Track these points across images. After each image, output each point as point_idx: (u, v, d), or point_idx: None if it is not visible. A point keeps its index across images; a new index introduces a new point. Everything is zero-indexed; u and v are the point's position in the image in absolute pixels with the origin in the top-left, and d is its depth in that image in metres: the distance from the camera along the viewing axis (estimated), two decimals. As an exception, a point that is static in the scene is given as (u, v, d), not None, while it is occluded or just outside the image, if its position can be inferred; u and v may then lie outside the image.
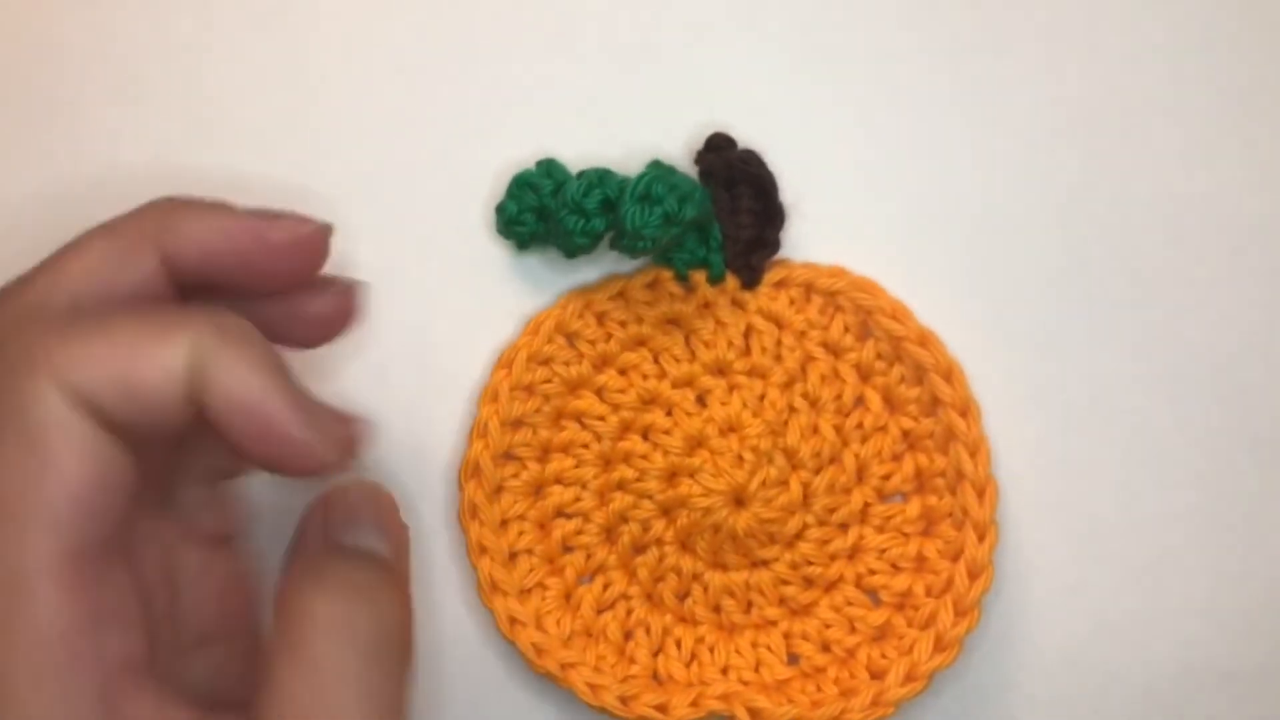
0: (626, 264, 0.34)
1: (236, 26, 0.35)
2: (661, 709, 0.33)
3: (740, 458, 0.33)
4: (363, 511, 0.28)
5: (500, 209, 0.33)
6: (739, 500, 0.33)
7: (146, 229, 0.27)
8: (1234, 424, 0.35)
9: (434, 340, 0.35)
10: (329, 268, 0.30)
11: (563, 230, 0.32)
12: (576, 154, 0.34)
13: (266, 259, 0.28)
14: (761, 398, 0.34)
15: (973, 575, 0.33)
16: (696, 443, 0.34)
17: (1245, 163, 0.35)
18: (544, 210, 0.33)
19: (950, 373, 0.34)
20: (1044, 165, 0.35)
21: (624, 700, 0.33)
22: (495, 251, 0.35)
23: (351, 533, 0.28)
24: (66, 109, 0.35)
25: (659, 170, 0.32)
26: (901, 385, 0.34)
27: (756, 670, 0.34)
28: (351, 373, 0.34)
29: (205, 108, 0.35)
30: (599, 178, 0.32)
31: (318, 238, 0.28)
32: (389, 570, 0.28)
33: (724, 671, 0.34)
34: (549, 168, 0.33)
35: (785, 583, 0.33)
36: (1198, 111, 0.36)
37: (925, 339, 0.34)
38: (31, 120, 0.35)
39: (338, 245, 0.30)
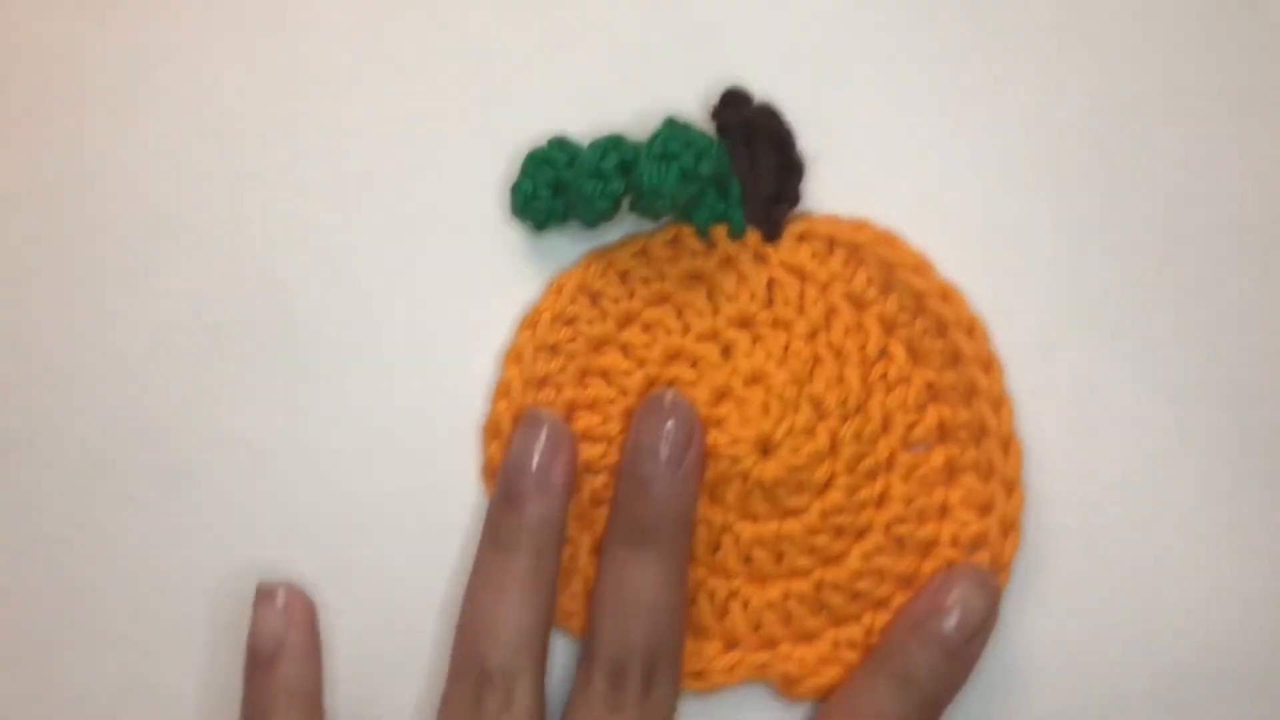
0: (647, 226, 0.35)
1: (240, 21, 0.35)
2: (698, 676, 0.33)
3: (766, 406, 0.33)
4: None
5: (515, 188, 0.34)
6: (766, 449, 0.33)
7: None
8: (1236, 423, 0.35)
9: (458, 316, 0.35)
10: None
11: (582, 197, 0.32)
12: (589, 124, 0.34)
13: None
14: (786, 348, 0.34)
15: (1004, 530, 0.33)
16: (722, 394, 0.34)
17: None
18: (560, 183, 0.33)
19: (972, 328, 0.34)
20: (1069, 114, 0.35)
21: None
22: (513, 234, 0.35)
23: None
24: (67, 109, 0.35)
25: (674, 128, 0.32)
26: (925, 338, 0.34)
27: (788, 623, 0.34)
28: (377, 351, 0.35)
29: (210, 102, 0.35)
30: (613, 143, 0.32)
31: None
32: None
33: (756, 628, 0.34)
34: (560, 143, 0.33)
35: (816, 531, 0.33)
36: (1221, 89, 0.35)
37: (947, 294, 0.34)
38: (32, 120, 0.35)
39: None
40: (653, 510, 0.31)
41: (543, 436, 0.32)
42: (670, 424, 0.32)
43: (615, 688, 0.31)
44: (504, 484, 0.32)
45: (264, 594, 0.33)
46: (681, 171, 0.31)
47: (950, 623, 0.31)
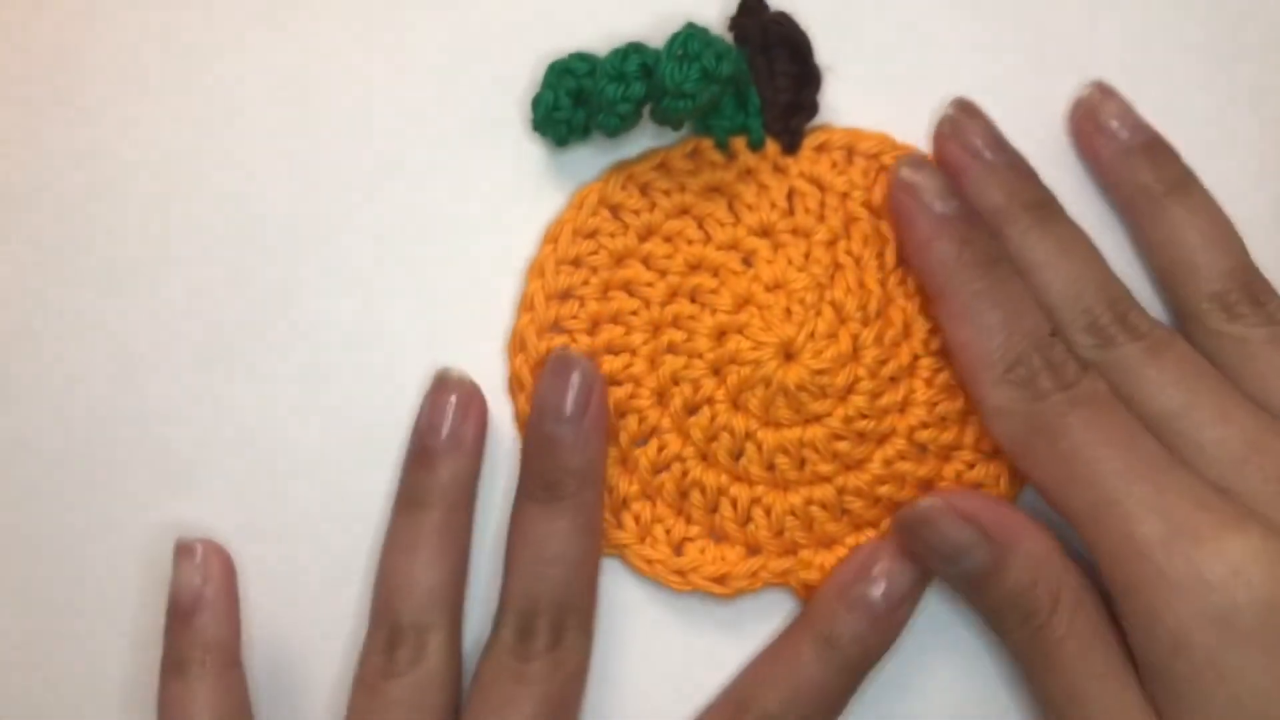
0: (666, 141, 0.35)
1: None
2: (720, 580, 0.34)
3: (788, 311, 0.34)
4: None
5: (537, 101, 0.34)
6: (789, 354, 0.34)
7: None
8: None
9: (484, 232, 0.35)
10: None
11: (605, 100, 0.32)
12: (608, 40, 0.34)
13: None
14: (807, 255, 0.34)
15: None
16: (744, 300, 0.34)
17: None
18: (581, 93, 0.33)
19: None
20: (1100, 24, 0.36)
21: (681, 574, 0.34)
22: (535, 150, 0.35)
23: None
24: (67, 108, 0.35)
25: (694, 29, 0.32)
26: None
27: (810, 529, 0.34)
28: (404, 270, 0.35)
29: (213, 82, 0.35)
30: (635, 47, 0.32)
31: None
32: None
33: (779, 533, 0.34)
34: (581, 55, 0.33)
35: (839, 437, 0.34)
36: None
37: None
38: (32, 120, 0.35)
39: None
40: (557, 465, 0.32)
41: (453, 398, 0.33)
42: (573, 378, 0.32)
43: (523, 639, 0.32)
44: (415, 444, 0.33)
45: (183, 549, 0.33)
46: (703, 70, 0.31)
47: (876, 591, 0.32)
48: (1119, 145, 0.34)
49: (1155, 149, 0.34)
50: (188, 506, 0.34)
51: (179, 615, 0.33)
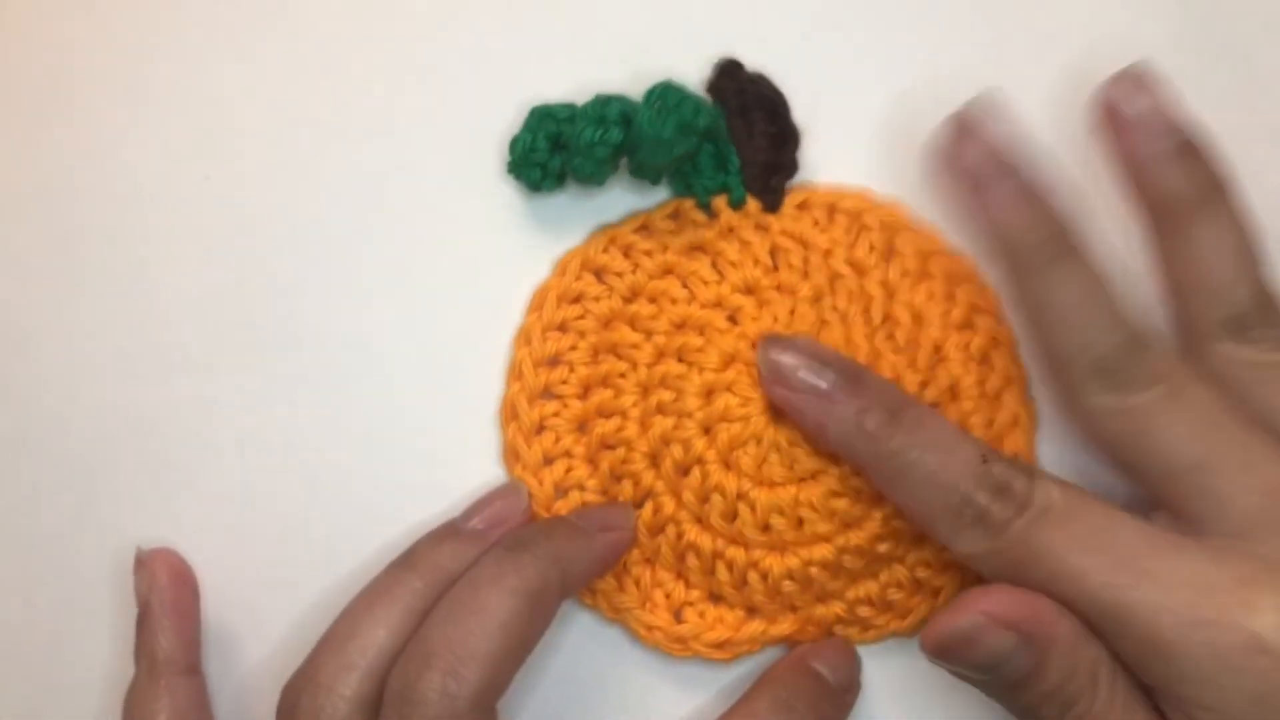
0: (647, 203, 0.35)
1: (237, 10, 0.36)
2: (721, 647, 0.33)
3: (776, 367, 0.33)
4: None
5: (514, 142, 0.34)
6: (779, 410, 0.33)
7: (552, 591, 0.30)
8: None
9: (466, 297, 0.35)
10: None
11: (583, 143, 0.32)
12: (587, 96, 0.35)
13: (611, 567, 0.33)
14: (792, 312, 0.34)
15: None
16: (731, 358, 0.34)
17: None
18: (560, 139, 0.33)
19: (983, 291, 0.34)
20: (1069, 79, 0.36)
21: (682, 641, 0.33)
22: (517, 218, 0.35)
23: None
24: (67, 108, 0.35)
25: (672, 84, 0.32)
26: (930, 302, 0.34)
27: (808, 588, 0.33)
28: (394, 338, 0.35)
29: (208, 92, 0.36)
30: (616, 96, 0.33)
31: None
32: None
33: (776, 595, 0.33)
34: (565, 104, 0.34)
35: (837, 495, 0.33)
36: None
37: (954, 259, 0.35)
38: (33, 120, 0.36)
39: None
40: None
41: (499, 505, 0.33)
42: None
43: None
44: (445, 524, 0.33)
45: (136, 560, 0.33)
46: (680, 121, 0.31)
47: (829, 673, 0.32)
48: (1150, 147, 0.31)
49: (1188, 153, 0.31)
50: (184, 508, 0.34)
51: (136, 623, 0.33)
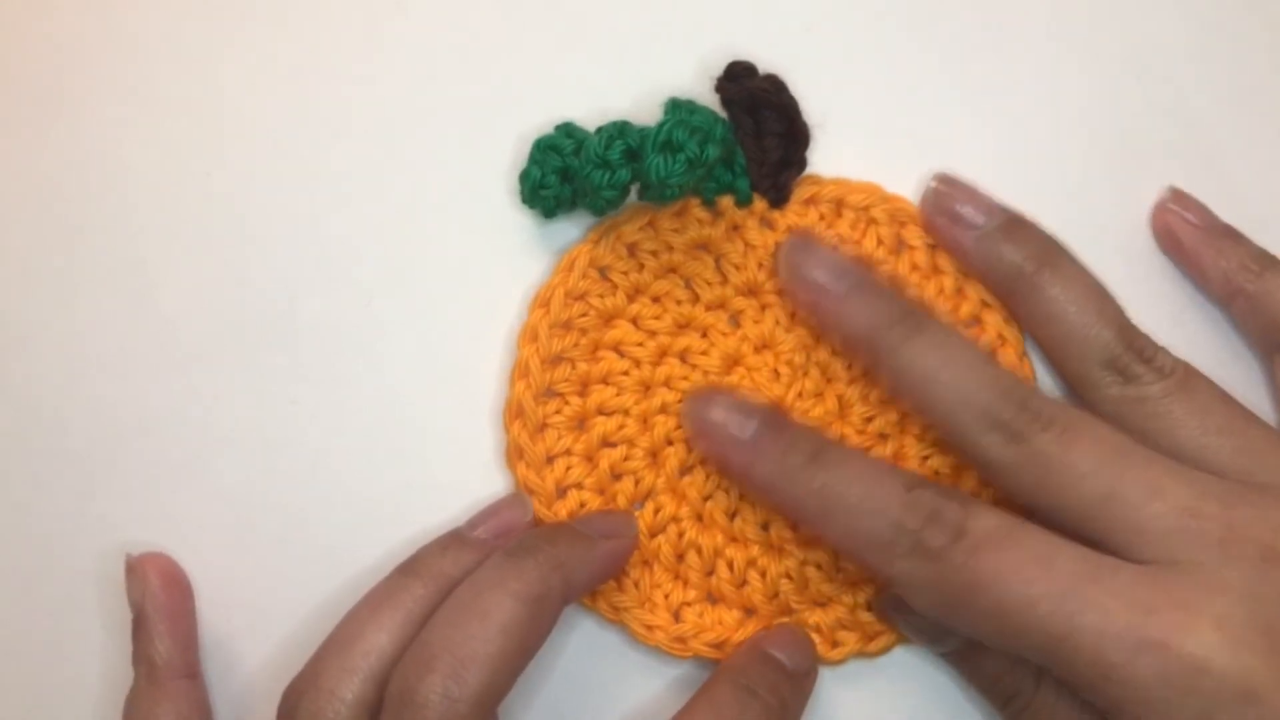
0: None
1: (242, 17, 0.36)
2: (718, 646, 0.34)
3: (776, 372, 0.34)
4: None
5: (524, 176, 0.34)
6: (779, 412, 0.34)
7: (554, 596, 0.30)
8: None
9: (465, 296, 0.35)
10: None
11: (590, 187, 0.32)
12: (594, 101, 0.35)
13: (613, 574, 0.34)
14: (793, 315, 0.34)
15: None
16: (733, 361, 0.34)
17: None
18: (568, 171, 0.33)
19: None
20: (1078, 77, 0.35)
21: (682, 640, 0.34)
22: (519, 215, 0.35)
23: None
24: (67, 108, 0.35)
25: (678, 114, 0.32)
26: (939, 298, 0.34)
27: (804, 590, 0.34)
28: (392, 336, 0.35)
29: (211, 97, 0.35)
30: (619, 130, 0.32)
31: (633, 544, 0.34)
32: None
33: (774, 596, 0.34)
34: (568, 129, 0.33)
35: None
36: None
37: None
38: (34, 120, 0.35)
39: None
40: None
41: (506, 515, 0.33)
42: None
43: None
44: (450, 532, 0.33)
45: (127, 566, 0.34)
46: (688, 161, 0.31)
47: (786, 659, 0.33)
48: (977, 232, 0.34)
49: (1014, 228, 0.33)
50: (183, 508, 0.35)
51: (132, 629, 0.34)
